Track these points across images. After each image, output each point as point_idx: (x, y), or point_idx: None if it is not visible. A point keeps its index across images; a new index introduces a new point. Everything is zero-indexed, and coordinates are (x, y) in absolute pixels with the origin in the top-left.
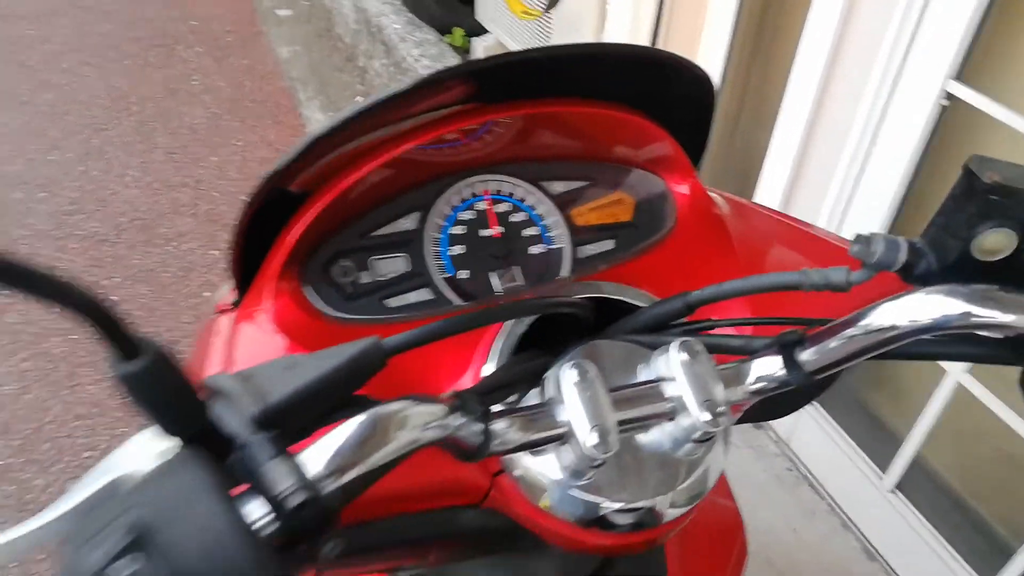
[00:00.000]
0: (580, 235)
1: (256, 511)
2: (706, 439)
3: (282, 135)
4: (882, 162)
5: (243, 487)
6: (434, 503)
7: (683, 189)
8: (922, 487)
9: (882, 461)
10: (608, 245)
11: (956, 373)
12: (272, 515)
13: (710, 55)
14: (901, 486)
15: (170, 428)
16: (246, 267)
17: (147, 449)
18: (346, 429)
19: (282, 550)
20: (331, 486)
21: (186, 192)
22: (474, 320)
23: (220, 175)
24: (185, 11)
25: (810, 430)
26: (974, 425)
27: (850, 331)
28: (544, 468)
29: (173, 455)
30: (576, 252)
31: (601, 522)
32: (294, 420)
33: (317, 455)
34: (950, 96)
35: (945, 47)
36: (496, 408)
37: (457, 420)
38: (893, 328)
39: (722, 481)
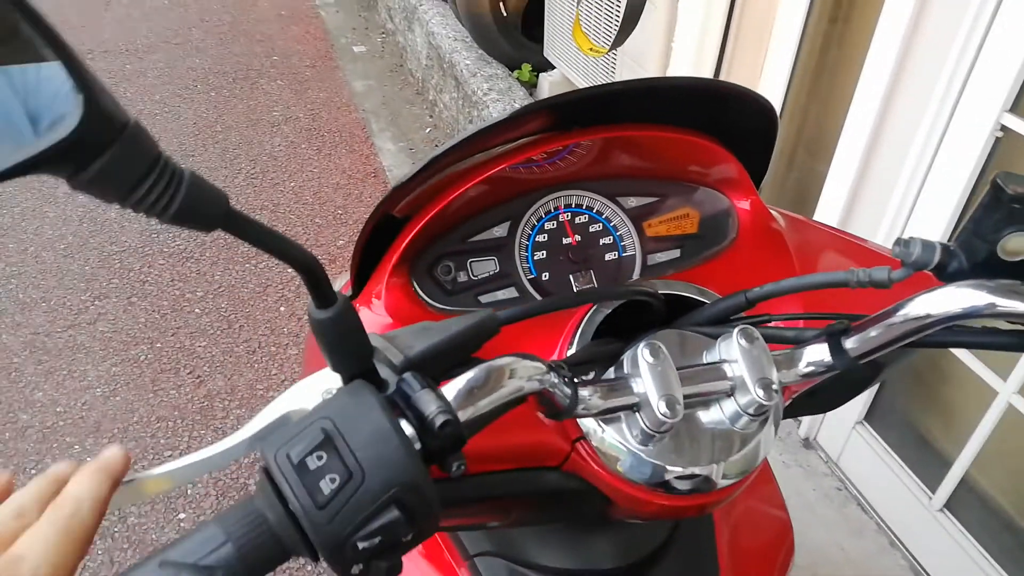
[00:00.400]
0: (650, 245)
1: (409, 430)
2: (760, 414)
3: (355, 163)
4: (936, 191)
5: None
6: (521, 463)
7: (745, 205)
8: (971, 507)
9: (931, 481)
10: (675, 254)
11: (1007, 394)
12: (419, 434)
13: (770, 91)
14: (950, 505)
15: (342, 366)
16: (360, 274)
17: (312, 390)
18: (472, 374)
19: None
20: (463, 415)
21: (265, 214)
22: (571, 300)
23: (296, 199)
24: (268, 47)
25: (859, 449)
26: None
27: (889, 320)
28: (618, 436)
29: (348, 386)
30: (646, 260)
31: (665, 486)
32: (429, 370)
33: (453, 390)
34: (1004, 128)
35: (1001, 81)
36: (584, 378)
37: (553, 378)
38: (927, 317)
39: (776, 493)
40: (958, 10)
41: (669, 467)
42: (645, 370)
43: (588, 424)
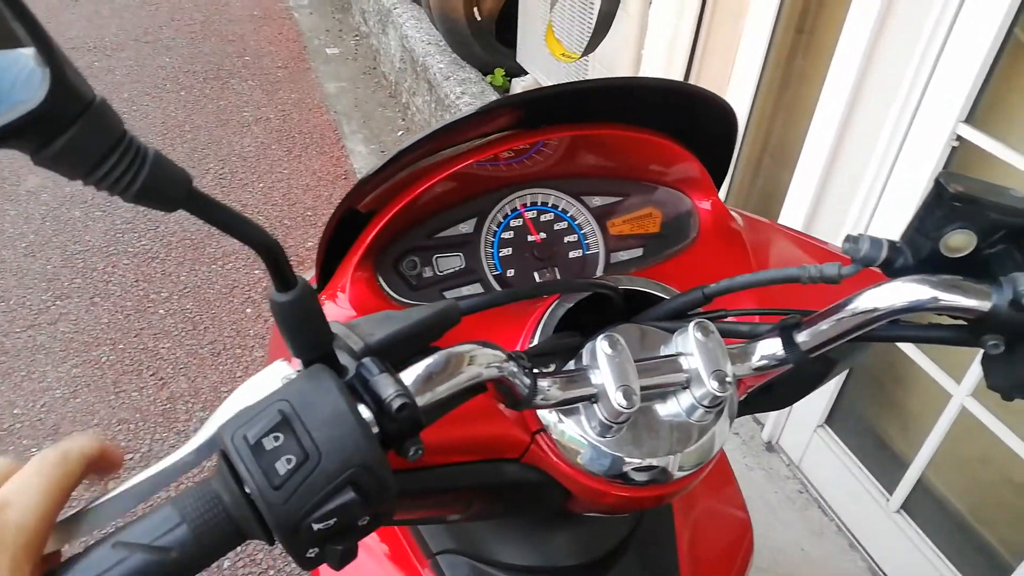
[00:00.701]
0: (613, 243)
1: (366, 414)
2: (715, 406)
3: (326, 165)
4: (896, 198)
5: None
6: (482, 455)
7: (706, 205)
8: (927, 508)
9: (889, 483)
10: (637, 252)
11: (960, 396)
12: (377, 418)
13: (738, 98)
14: (907, 507)
15: (302, 350)
16: (324, 269)
17: (273, 377)
18: (431, 359)
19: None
20: (422, 400)
21: None
22: (532, 291)
23: (266, 200)
24: (240, 47)
25: (820, 452)
26: (979, 450)
27: (839, 315)
28: (577, 428)
29: (307, 370)
30: (609, 257)
31: (623, 477)
32: (389, 357)
33: (412, 375)
34: (960, 138)
35: (956, 93)
36: (543, 370)
37: (512, 366)
38: (874, 311)
39: (736, 493)
40: (916, 24)
41: (627, 458)
42: (603, 362)
43: (547, 416)
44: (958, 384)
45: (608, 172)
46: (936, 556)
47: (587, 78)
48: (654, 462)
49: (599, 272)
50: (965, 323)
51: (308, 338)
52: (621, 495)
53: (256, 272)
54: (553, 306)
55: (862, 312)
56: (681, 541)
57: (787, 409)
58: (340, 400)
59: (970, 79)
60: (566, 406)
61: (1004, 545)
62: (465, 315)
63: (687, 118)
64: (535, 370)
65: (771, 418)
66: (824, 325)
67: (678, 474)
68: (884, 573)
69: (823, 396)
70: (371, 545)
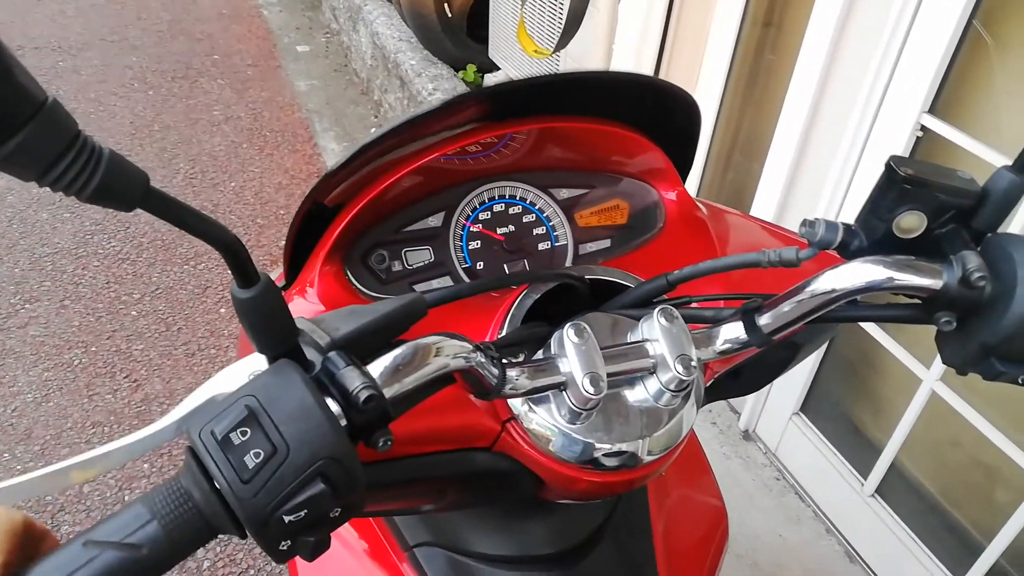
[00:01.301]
0: (582, 235)
1: (334, 407)
2: (681, 390)
3: (298, 163)
4: (864, 187)
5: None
6: (453, 445)
7: (671, 196)
8: (900, 492)
9: (863, 468)
10: (606, 243)
11: (930, 381)
12: (344, 411)
13: (707, 92)
14: (881, 491)
15: (267, 346)
16: (293, 264)
17: (240, 373)
18: (398, 351)
19: (353, 443)
20: (390, 392)
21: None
22: (498, 282)
23: (238, 199)
24: (209, 46)
25: (796, 440)
26: (950, 433)
27: (798, 296)
28: (547, 416)
29: (273, 365)
30: (578, 249)
31: (594, 463)
32: (356, 351)
33: (379, 367)
34: (924, 128)
35: (919, 85)
36: (511, 360)
37: (480, 357)
38: (832, 292)
39: (711, 481)
40: (880, 17)
41: (597, 444)
42: (570, 350)
43: (518, 405)
44: (927, 369)
45: (575, 165)
46: (910, 538)
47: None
48: (624, 447)
49: (568, 263)
50: (919, 302)
51: (272, 333)
52: (592, 480)
53: (229, 273)
54: (521, 297)
55: (820, 293)
56: (656, 528)
57: (763, 398)
58: (306, 394)
59: (932, 70)
60: (535, 395)
61: (975, 526)
62: (432, 307)
63: (652, 111)
64: (503, 360)
65: (747, 407)
66: (784, 307)
67: (647, 458)
68: (860, 556)
69: (797, 384)
70: (348, 539)
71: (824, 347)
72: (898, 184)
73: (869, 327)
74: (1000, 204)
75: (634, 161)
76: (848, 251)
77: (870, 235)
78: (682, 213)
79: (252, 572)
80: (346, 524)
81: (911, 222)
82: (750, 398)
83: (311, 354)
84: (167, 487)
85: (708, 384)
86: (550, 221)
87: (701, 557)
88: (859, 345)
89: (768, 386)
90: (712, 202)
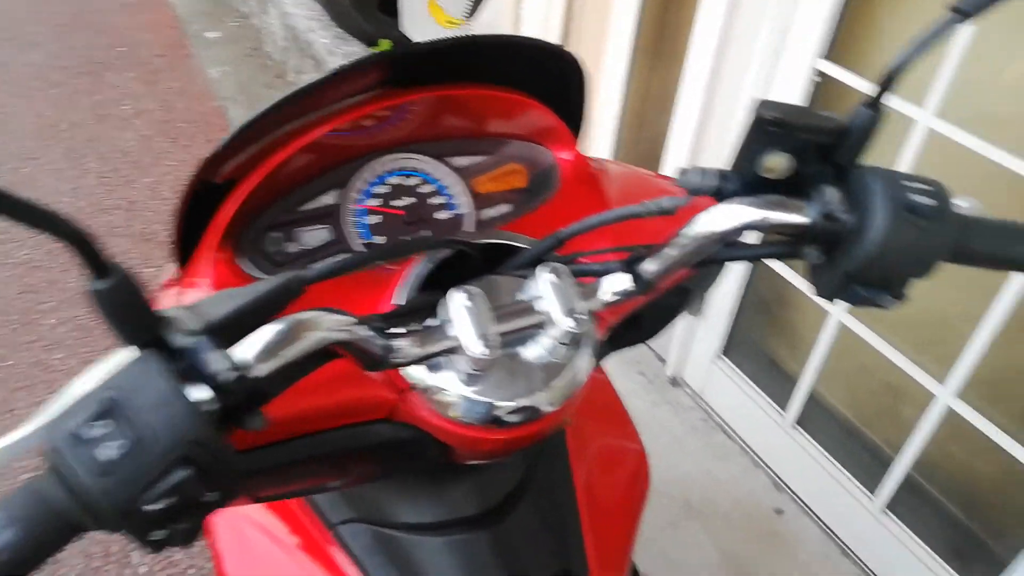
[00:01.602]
0: (482, 201)
1: (200, 393)
2: (572, 342)
3: None
4: None
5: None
6: (349, 419)
7: (566, 156)
8: (819, 421)
9: (783, 401)
10: (506, 208)
11: (838, 313)
12: (212, 396)
13: (615, 57)
14: (801, 422)
15: (129, 338)
16: (185, 249)
17: (107, 369)
18: (268, 329)
19: (222, 427)
20: (257, 370)
21: (119, 214)
22: (378, 254)
23: (153, 195)
24: (113, 38)
25: (720, 381)
26: (858, 361)
27: (678, 242)
28: (444, 380)
29: (135, 357)
30: (479, 215)
31: (496, 421)
32: (230, 335)
33: (245, 348)
34: (821, 74)
35: (814, 31)
36: (398, 330)
37: (362, 330)
38: (708, 235)
39: (629, 428)
40: None
41: (497, 403)
42: (459, 313)
43: (414, 372)
44: (833, 303)
45: (470, 132)
46: (830, 463)
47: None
48: (524, 402)
49: (471, 231)
50: (791, 239)
51: (133, 324)
52: (498, 438)
53: (149, 270)
54: (414, 267)
55: (696, 237)
56: (578, 479)
57: (687, 345)
58: (166, 382)
59: (826, 16)
60: (427, 361)
61: (888, 444)
62: (311, 284)
63: (538, 73)
64: (390, 330)
65: (673, 355)
66: (666, 255)
67: (548, 409)
68: (785, 484)
69: (718, 328)
70: (269, 525)
71: (742, 291)
72: (763, 127)
73: (778, 267)
74: (858, 139)
75: (527, 124)
76: (722, 196)
77: (742, 178)
78: (577, 172)
79: (192, 572)
80: (266, 510)
81: (777, 163)
82: (674, 346)
83: (180, 340)
84: (23, 491)
85: (609, 334)
86: (449, 190)
87: (624, 503)
88: (772, 285)
89: (692, 333)
90: (608, 159)
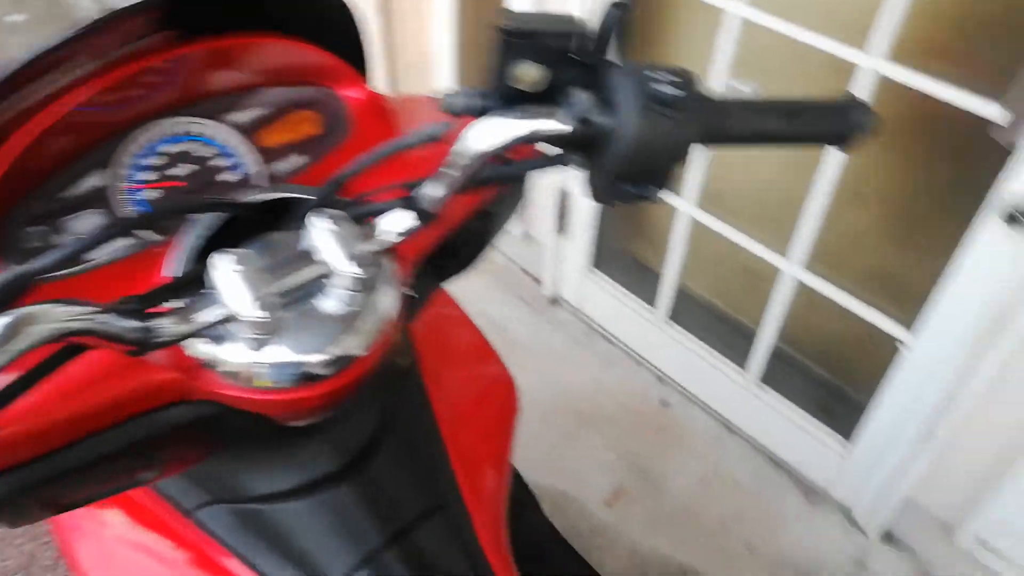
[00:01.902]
0: (272, 155)
1: None
2: (365, 287)
3: None
4: None
5: None
6: (136, 409)
7: (355, 94)
8: (689, 312)
9: (654, 300)
10: (302, 159)
11: (688, 209)
12: None
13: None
14: (673, 316)
15: None
16: None
17: None
18: None
19: None
20: None
21: None
22: (105, 235)
23: None
24: None
25: (595, 293)
26: (715, 250)
27: (450, 167)
28: (234, 351)
29: None
30: (271, 170)
31: (309, 378)
32: None
33: None
34: None
35: None
36: (160, 309)
37: (105, 316)
38: (475, 153)
39: (491, 355)
40: None
41: (304, 359)
42: (228, 277)
43: (200, 348)
44: (682, 199)
45: (245, 84)
46: (704, 349)
47: None
48: (334, 351)
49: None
50: (561, 149)
51: None
52: (314, 394)
53: None
54: (183, 238)
55: (464, 156)
56: (441, 414)
57: (559, 264)
58: None
59: None
60: (202, 334)
61: (753, 323)
62: (34, 276)
63: (308, 15)
64: (144, 308)
65: (547, 276)
66: (439, 181)
67: (359, 352)
68: (669, 377)
69: (585, 242)
70: (120, 526)
71: None
72: (510, 40)
73: None
74: (603, 37)
75: (304, 68)
76: (488, 115)
77: (503, 95)
78: (369, 110)
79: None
80: (118, 513)
81: (529, 74)
82: (548, 267)
83: None
84: None
85: (425, 268)
86: (231, 150)
87: (493, 430)
88: None
89: (562, 252)
90: (406, 93)
